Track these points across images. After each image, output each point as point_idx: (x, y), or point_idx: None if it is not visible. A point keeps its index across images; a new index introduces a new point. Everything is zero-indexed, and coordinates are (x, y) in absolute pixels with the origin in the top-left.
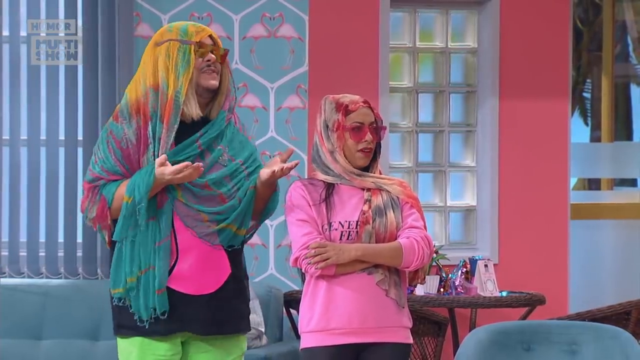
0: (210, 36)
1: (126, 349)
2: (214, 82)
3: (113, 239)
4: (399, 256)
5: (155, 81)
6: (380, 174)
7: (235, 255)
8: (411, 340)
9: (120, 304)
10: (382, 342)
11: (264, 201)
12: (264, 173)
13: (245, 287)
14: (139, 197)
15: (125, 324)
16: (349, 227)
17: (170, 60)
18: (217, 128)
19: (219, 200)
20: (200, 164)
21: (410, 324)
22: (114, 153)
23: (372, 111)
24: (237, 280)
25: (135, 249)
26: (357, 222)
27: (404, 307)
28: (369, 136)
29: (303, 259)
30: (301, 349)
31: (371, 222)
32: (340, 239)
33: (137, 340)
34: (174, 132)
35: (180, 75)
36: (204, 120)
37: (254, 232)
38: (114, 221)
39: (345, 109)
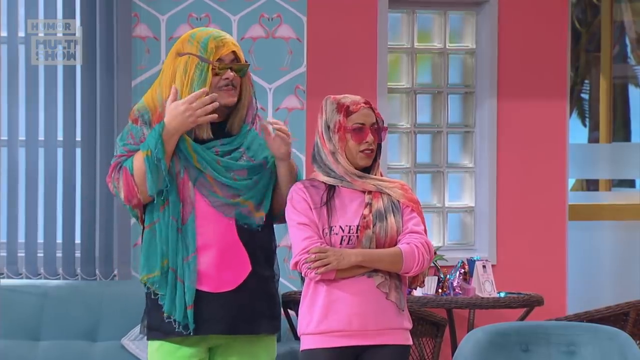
0: (233, 51)
1: (151, 352)
2: (232, 100)
3: (149, 195)
4: (398, 262)
5: None
6: (382, 175)
7: (259, 254)
8: (411, 342)
9: (154, 297)
10: (381, 344)
11: (286, 185)
12: (272, 148)
13: (271, 288)
14: (154, 142)
15: (152, 324)
16: (349, 232)
17: (186, 76)
18: (238, 142)
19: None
20: (206, 89)
21: (410, 326)
22: (130, 148)
23: (374, 112)
24: (262, 280)
25: (165, 233)
26: (357, 226)
27: (403, 310)
28: (370, 137)
29: (303, 264)
30: (301, 351)
31: (371, 226)
32: (341, 243)
33: (160, 343)
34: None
35: (196, 91)
36: (223, 131)
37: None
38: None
39: (346, 110)
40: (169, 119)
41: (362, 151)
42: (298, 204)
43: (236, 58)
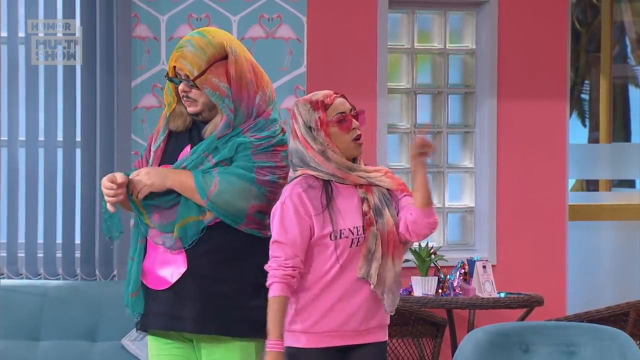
0: (182, 61)
1: None
2: (190, 110)
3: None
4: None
5: None
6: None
7: (206, 255)
8: (387, 337)
9: None
10: (366, 343)
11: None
12: None
13: (227, 290)
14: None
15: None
16: (357, 233)
17: (166, 82)
18: (201, 150)
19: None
20: (114, 185)
21: (389, 321)
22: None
23: (346, 99)
24: (205, 280)
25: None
26: (363, 226)
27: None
28: (355, 123)
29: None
30: (286, 347)
31: (375, 223)
32: (351, 246)
33: (149, 335)
34: (160, 142)
35: (169, 97)
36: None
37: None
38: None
39: (322, 105)
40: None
41: (354, 140)
42: (287, 217)
43: (187, 74)
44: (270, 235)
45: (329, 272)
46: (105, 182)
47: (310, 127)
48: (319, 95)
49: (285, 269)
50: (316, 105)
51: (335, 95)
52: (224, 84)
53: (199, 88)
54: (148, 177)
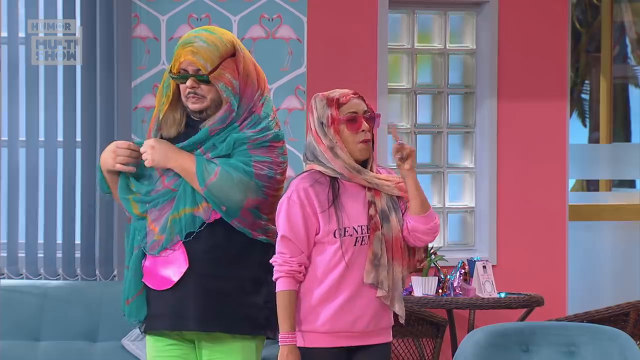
0: (195, 56)
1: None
2: (195, 107)
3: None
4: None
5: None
6: (377, 167)
7: (207, 252)
8: (391, 337)
9: None
10: (373, 344)
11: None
12: None
13: (229, 288)
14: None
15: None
16: (362, 232)
17: (161, 83)
18: (193, 141)
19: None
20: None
21: (393, 322)
22: None
23: (364, 101)
24: (207, 278)
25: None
26: (367, 226)
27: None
28: (365, 125)
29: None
30: (302, 347)
31: (380, 228)
32: (355, 245)
33: (148, 336)
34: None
35: (162, 98)
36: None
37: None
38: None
39: (337, 103)
40: (105, 150)
41: (360, 142)
42: (293, 212)
43: (198, 68)
44: (260, 238)
45: (335, 271)
46: (121, 143)
47: (322, 123)
48: (336, 93)
49: (291, 265)
50: (331, 102)
51: (352, 95)
52: (235, 80)
53: (211, 83)
54: (152, 152)
